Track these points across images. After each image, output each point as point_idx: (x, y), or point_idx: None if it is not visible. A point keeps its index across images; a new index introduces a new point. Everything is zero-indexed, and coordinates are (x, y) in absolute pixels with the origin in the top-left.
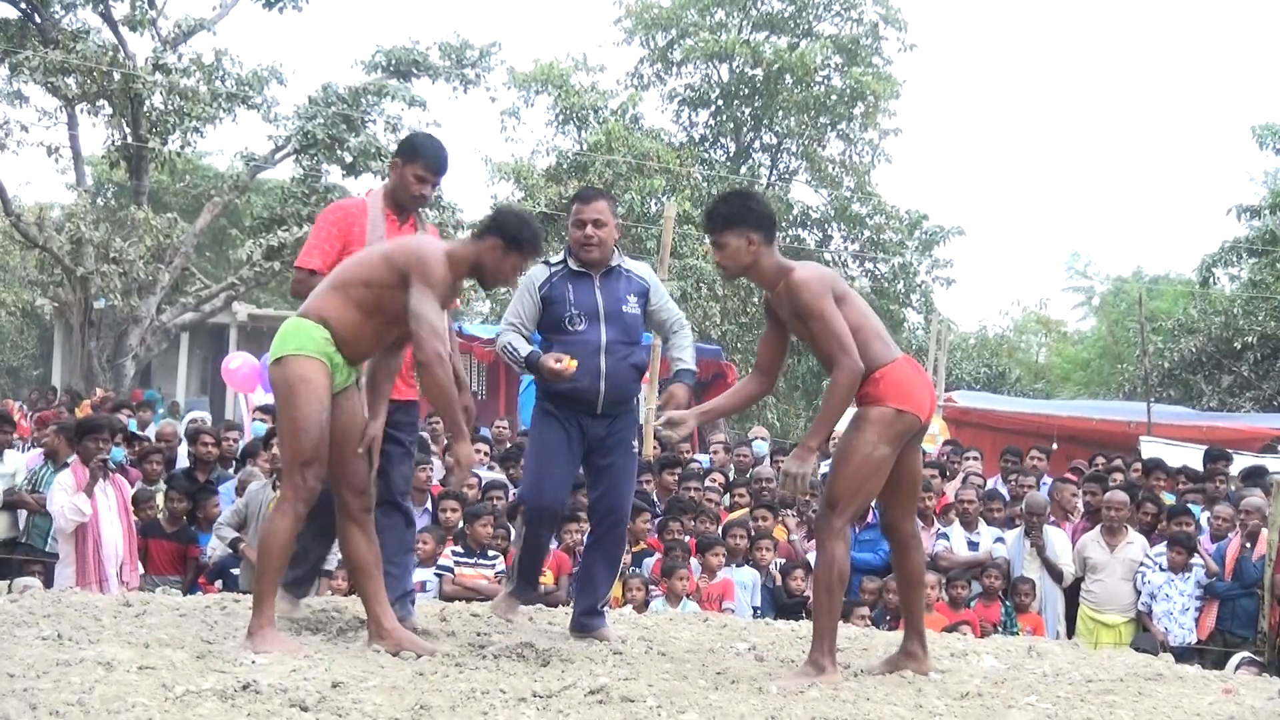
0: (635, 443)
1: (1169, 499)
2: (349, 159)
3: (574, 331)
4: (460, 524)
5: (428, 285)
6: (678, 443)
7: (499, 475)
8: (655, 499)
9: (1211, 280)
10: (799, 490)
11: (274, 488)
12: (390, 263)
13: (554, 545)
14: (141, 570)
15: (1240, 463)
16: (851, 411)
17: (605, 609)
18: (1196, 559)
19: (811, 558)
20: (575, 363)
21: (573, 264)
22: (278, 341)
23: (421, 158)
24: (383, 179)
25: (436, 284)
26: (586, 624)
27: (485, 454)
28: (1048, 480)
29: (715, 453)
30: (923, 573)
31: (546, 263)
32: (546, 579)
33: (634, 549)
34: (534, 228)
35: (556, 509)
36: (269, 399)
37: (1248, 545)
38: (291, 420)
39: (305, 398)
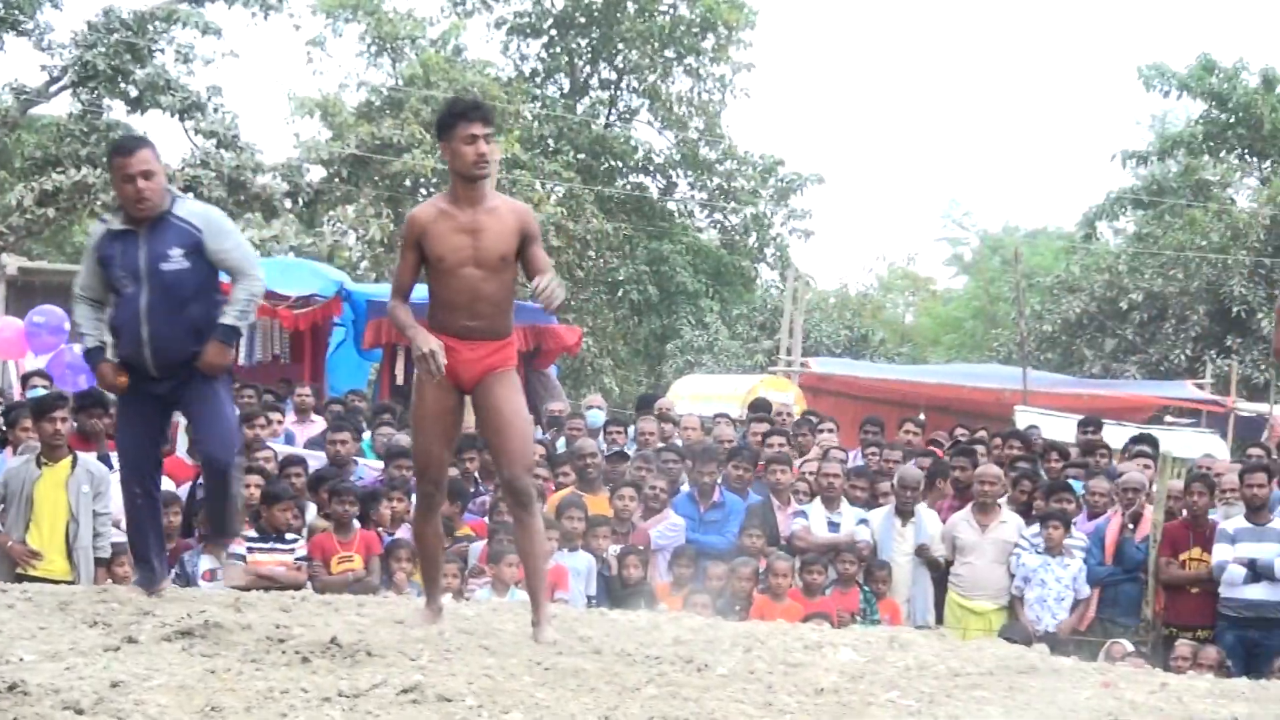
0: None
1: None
2: (134, 93)
3: (124, 295)
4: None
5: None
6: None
7: (298, 450)
8: (478, 478)
9: (1094, 234)
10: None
11: (38, 463)
12: None
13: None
14: None
15: (1125, 435)
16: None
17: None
18: (1076, 540)
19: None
20: (125, 381)
21: (116, 223)
22: None
23: None
24: (172, 115)
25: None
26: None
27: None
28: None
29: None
30: None
31: (103, 220)
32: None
33: (457, 533)
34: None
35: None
36: (41, 362)
37: (1130, 526)
38: None
39: None
